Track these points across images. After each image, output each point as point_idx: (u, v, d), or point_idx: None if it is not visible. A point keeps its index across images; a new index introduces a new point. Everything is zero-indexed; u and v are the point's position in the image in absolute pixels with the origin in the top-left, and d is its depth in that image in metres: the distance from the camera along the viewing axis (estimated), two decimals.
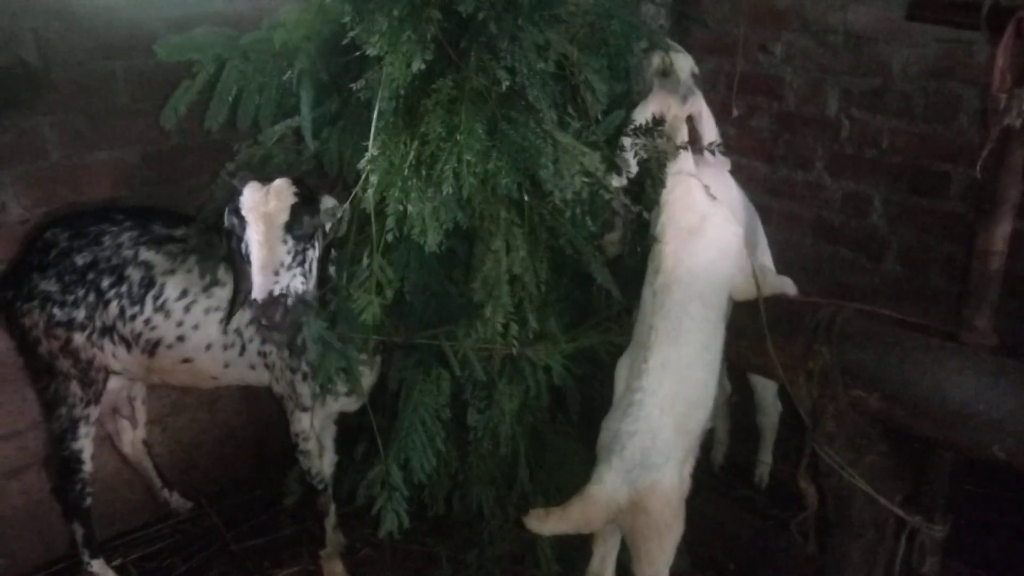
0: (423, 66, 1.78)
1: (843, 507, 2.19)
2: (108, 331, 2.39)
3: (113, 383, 2.51)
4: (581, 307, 2.25)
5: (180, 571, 2.79)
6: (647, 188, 2.22)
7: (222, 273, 2.33)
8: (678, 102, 2.27)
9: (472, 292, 2.01)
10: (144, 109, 2.68)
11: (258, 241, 1.95)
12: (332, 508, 2.64)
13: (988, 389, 1.87)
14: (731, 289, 2.21)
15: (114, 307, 2.36)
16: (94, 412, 2.48)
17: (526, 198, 1.98)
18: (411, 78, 1.79)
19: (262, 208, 1.97)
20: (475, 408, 2.23)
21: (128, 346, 2.40)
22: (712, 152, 2.29)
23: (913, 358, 2.00)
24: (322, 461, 2.53)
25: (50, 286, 2.34)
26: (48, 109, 2.56)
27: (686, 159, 2.25)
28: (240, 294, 2.13)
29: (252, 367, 2.42)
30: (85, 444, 2.49)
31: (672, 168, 2.23)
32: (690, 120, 2.29)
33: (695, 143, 2.29)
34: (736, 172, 3.57)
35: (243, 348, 2.38)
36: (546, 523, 2.03)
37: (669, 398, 2.06)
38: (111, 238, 2.39)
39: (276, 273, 1.94)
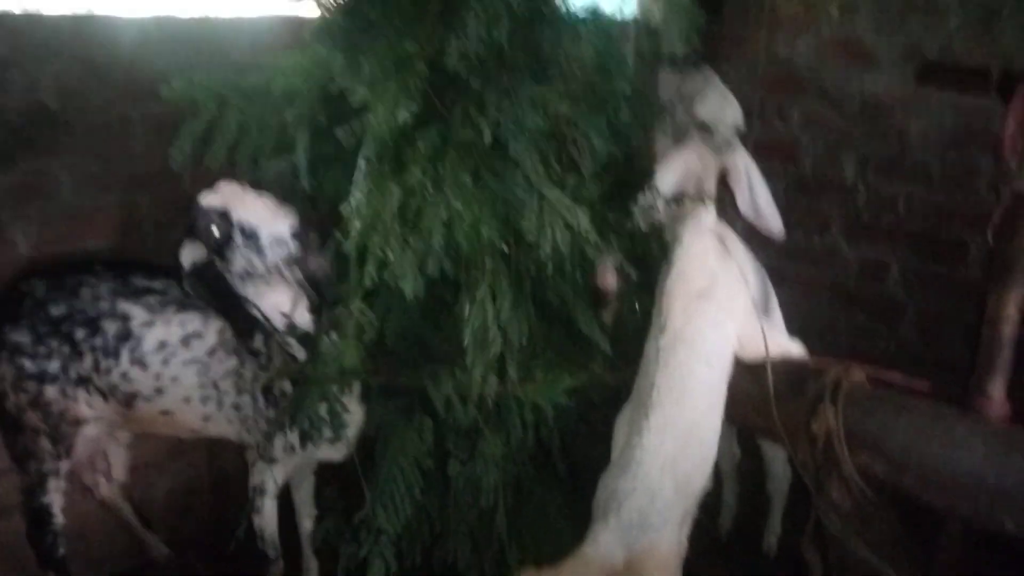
0: (408, 117, 1.80)
1: None
2: (83, 382, 2.36)
3: (90, 431, 2.46)
4: (569, 359, 2.22)
5: None
6: (653, 249, 2.22)
7: (199, 324, 2.33)
8: (714, 154, 2.21)
9: (459, 339, 1.98)
10: (157, 154, 2.71)
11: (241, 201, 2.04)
12: (315, 565, 2.60)
13: (999, 459, 1.80)
14: (738, 350, 2.18)
15: (89, 359, 2.33)
16: (64, 466, 2.44)
17: (506, 249, 1.97)
18: (396, 128, 1.81)
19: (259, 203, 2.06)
20: (457, 458, 2.18)
21: (104, 397, 2.38)
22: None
23: (921, 424, 1.94)
24: (269, 523, 2.46)
25: (21, 337, 2.31)
26: (64, 152, 2.62)
27: (708, 215, 2.21)
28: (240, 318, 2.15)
29: (229, 420, 2.39)
30: (54, 498, 2.44)
31: (690, 223, 2.18)
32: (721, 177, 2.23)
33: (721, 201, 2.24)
34: (751, 235, 3.56)
35: (220, 402, 2.36)
36: None
37: (670, 458, 1.98)
38: (89, 290, 2.37)
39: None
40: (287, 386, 2.29)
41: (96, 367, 2.33)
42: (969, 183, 3.04)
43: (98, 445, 2.64)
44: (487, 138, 1.85)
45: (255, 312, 2.19)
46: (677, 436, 2.01)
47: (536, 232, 1.89)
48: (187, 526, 3.10)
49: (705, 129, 2.23)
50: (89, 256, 2.60)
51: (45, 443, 2.38)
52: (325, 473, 2.62)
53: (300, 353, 2.22)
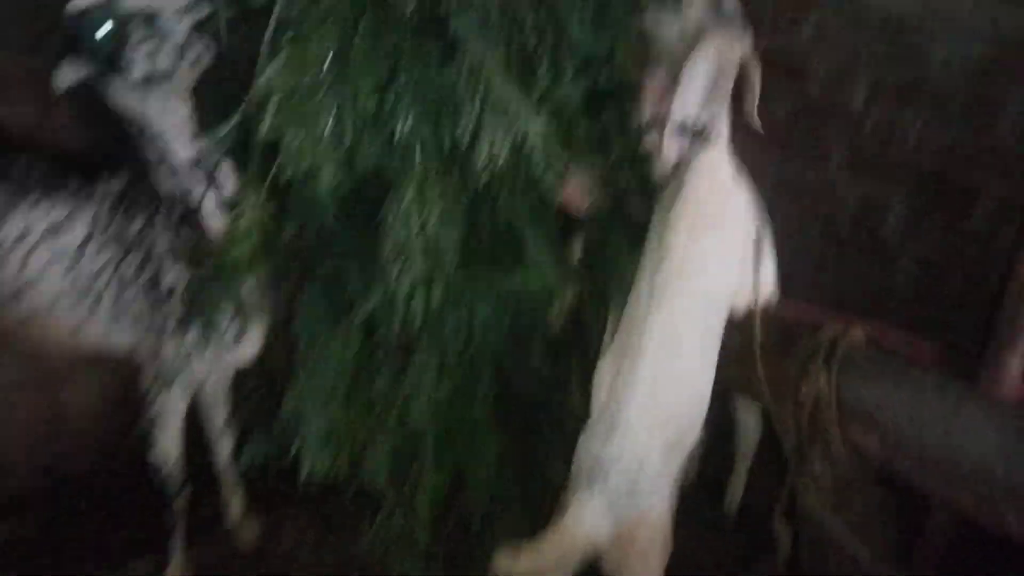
0: None
1: (819, 558, 1.90)
2: None
3: None
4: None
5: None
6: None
7: (64, 210, 1.96)
8: (735, 45, 1.84)
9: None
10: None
11: None
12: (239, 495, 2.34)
13: (1011, 448, 1.57)
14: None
15: None
16: None
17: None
18: None
19: None
20: (384, 374, 1.90)
21: None
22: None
23: (924, 400, 1.70)
24: (169, 453, 2.16)
25: None
26: None
27: (723, 123, 1.87)
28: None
29: (110, 332, 2.03)
30: None
31: (706, 139, 1.84)
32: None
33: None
34: (744, 162, 3.24)
35: (96, 305, 1.99)
36: (518, 564, 1.68)
37: (662, 416, 1.72)
38: None
39: None
40: (177, 278, 1.95)
41: None
42: (991, 122, 2.73)
43: None
44: (423, 9, 1.48)
45: (160, 142, 1.85)
46: (670, 390, 1.74)
47: (470, 136, 1.55)
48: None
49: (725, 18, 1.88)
50: None
51: None
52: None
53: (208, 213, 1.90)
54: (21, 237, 1.94)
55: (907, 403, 1.70)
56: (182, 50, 1.79)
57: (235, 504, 2.42)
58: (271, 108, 1.50)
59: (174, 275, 1.94)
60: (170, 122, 1.86)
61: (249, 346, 2.05)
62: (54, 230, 1.95)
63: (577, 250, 2.00)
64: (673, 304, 1.74)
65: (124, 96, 1.82)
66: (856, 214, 3.12)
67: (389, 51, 1.48)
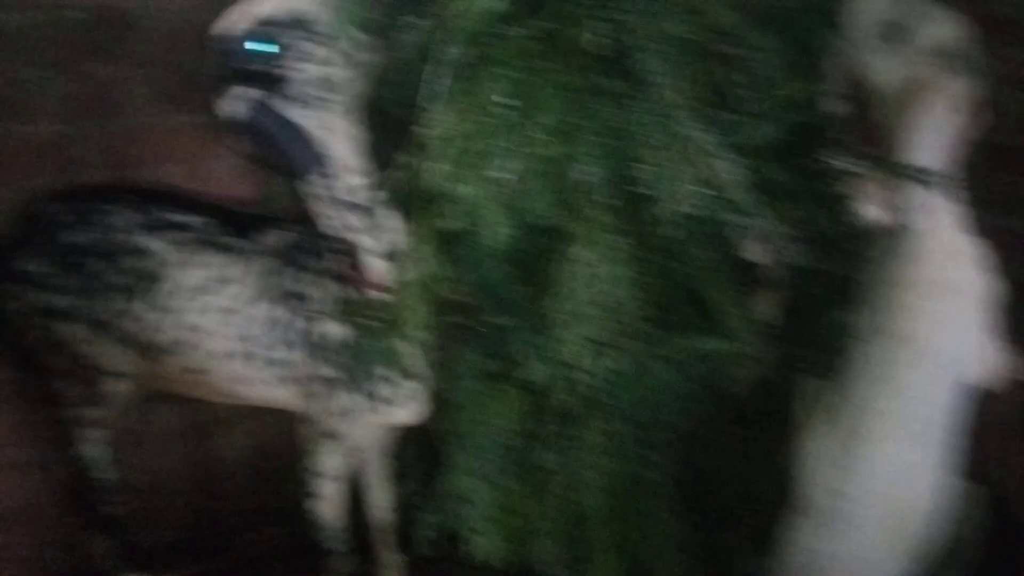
0: (498, 4, 1.30)
1: None
2: (101, 327, 1.99)
3: (120, 386, 2.10)
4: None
5: None
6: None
7: (232, 267, 1.93)
8: (965, 86, 1.57)
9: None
10: None
11: None
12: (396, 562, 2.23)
13: None
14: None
15: (105, 300, 1.97)
16: (98, 414, 2.10)
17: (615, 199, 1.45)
18: (482, 18, 1.31)
19: None
20: (549, 445, 1.74)
21: (124, 347, 2.01)
22: None
23: None
24: (331, 510, 2.05)
25: (35, 266, 1.99)
26: (136, 61, 2.27)
27: (953, 182, 1.61)
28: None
29: (272, 383, 1.97)
30: (92, 451, 2.12)
31: (935, 192, 1.58)
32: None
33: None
34: None
35: (262, 359, 1.94)
36: None
37: (891, 510, 1.51)
38: (108, 218, 1.99)
39: None
40: (342, 335, 1.87)
41: (115, 310, 1.97)
42: None
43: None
44: (604, 44, 1.32)
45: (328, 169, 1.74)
46: (902, 480, 1.51)
47: (658, 182, 1.37)
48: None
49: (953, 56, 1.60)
50: (125, 183, 2.22)
51: (71, 387, 2.07)
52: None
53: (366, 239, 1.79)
54: (189, 291, 1.95)
55: None
56: (341, 61, 1.69)
57: (390, 571, 2.30)
58: (436, 153, 1.38)
59: (336, 331, 1.87)
60: (338, 146, 1.75)
61: (410, 407, 1.94)
62: (223, 283, 1.94)
63: (769, 308, 1.77)
64: (904, 381, 1.50)
65: (291, 116, 1.73)
66: None
67: (568, 92, 1.32)
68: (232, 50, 1.64)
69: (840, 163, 1.62)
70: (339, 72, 1.68)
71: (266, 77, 1.67)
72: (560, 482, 1.75)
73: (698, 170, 1.37)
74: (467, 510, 1.69)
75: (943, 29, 1.59)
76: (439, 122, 1.39)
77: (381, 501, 2.23)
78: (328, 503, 2.03)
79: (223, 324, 1.93)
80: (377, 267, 1.79)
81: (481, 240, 1.44)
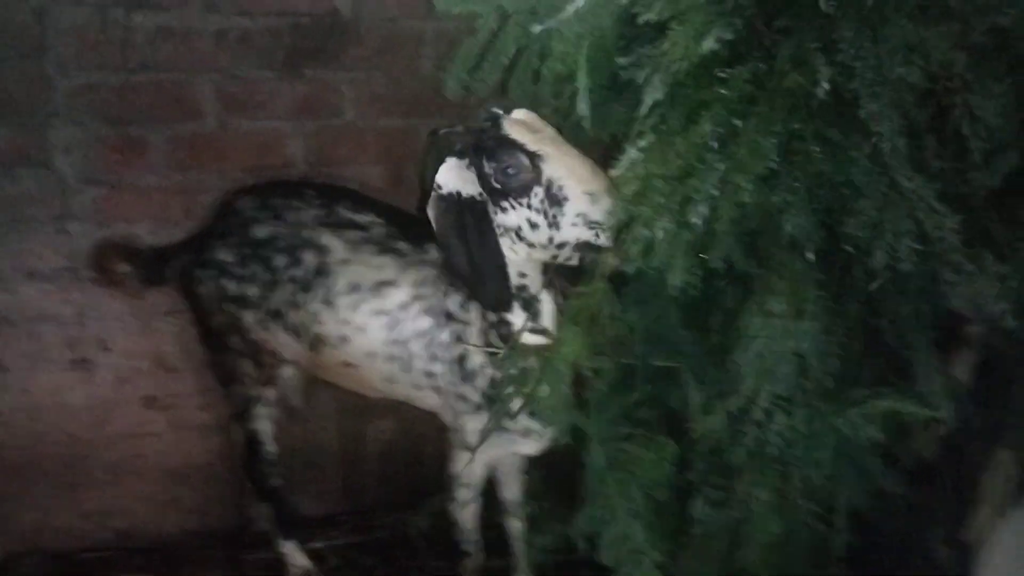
0: (716, 45, 1.22)
1: None
2: (277, 316, 2.07)
3: (287, 372, 2.21)
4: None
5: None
6: None
7: (394, 272, 1.97)
8: None
9: (731, 357, 1.43)
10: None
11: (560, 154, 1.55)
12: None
13: None
14: None
15: (283, 291, 2.04)
16: (270, 393, 2.20)
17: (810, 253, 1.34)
18: (698, 61, 1.24)
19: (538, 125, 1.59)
20: (706, 498, 1.65)
21: (295, 336, 2.08)
22: None
23: None
24: (465, 515, 2.09)
25: (226, 256, 2.08)
26: (351, 65, 2.37)
27: None
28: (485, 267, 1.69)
29: (418, 387, 2.01)
30: (262, 425, 2.22)
31: None
32: None
33: None
34: None
35: (408, 364, 1.97)
36: None
37: None
38: (294, 214, 2.06)
39: None
40: (483, 361, 1.88)
41: (290, 300, 2.04)
42: None
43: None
44: (822, 89, 1.22)
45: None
46: None
47: (870, 233, 1.26)
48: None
49: None
50: (306, 179, 2.33)
51: (248, 367, 2.16)
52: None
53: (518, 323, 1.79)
54: (353, 288, 1.99)
55: None
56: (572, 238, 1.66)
57: None
58: (628, 195, 1.35)
59: (480, 357, 1.87)
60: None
61: (543, 440, 1.93)
62: (380, 287, 1.97)
63: (967, 370, 1.64)
64: None
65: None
66: None
67: (779, 138, 1.25)
68: (503, 141, 1.65)
69: None
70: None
71: (505, 190, 1.69)
72: (711, 537, 1.68)
73: (913, 223, 1.27)
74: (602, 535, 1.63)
75: None
76: (637, 162, 1.35)
77: (516, 513, 2.22)
78: (464, 507, 2.05)
79: (379, 325, 1.96)
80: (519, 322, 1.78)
81: (659, 282, 1.39)
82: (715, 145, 1.24)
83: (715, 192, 1.23)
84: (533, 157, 1.59)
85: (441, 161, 1.71)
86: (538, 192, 1.60)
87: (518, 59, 1.65)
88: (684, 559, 1.72)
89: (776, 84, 1.24)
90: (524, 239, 1.67)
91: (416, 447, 2.71)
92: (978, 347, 1.62)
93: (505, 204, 1.66)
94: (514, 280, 1.74)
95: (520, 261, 1.73)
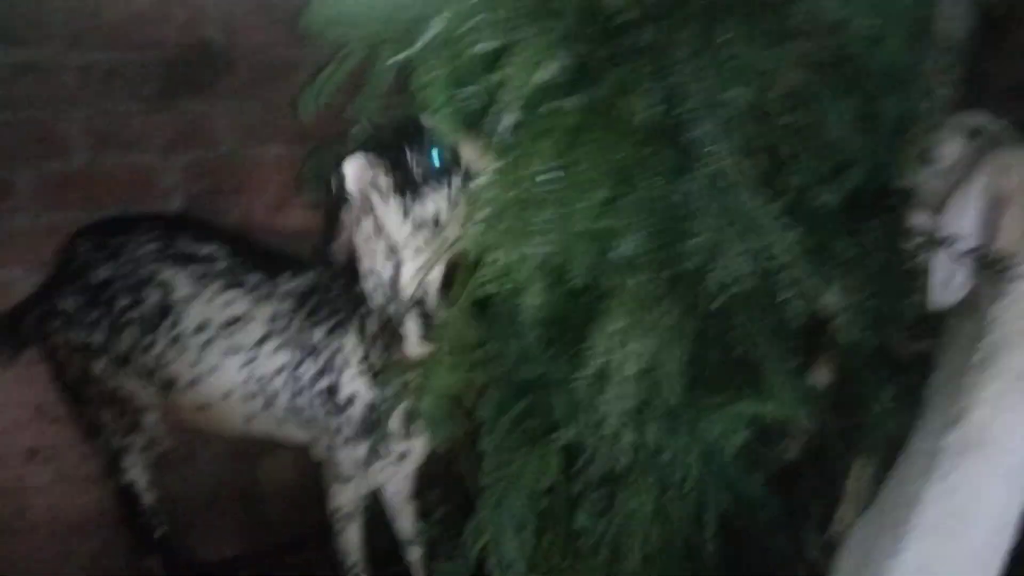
0: (550, 76, 1.24)
1: None
2: (124, 361, 1.98)
3: (151, 418, 2.11)
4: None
5: None
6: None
7: (245, 306, 1.92)
8: (1017, 163, 1.49)
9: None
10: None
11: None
12: None
13: None
14: None
15: (129, 334, 1.95)
16: (138, 441, 2.10)
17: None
18: (533, 91, 1.26)
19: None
20: (588, 508, 1.65)
21: (146, 380, 2.00)
22: None
23: None
24: (350, 546, 2.06)
25: (69, 304, 1.98)
26: (225, 94, 2.32)
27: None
28: None
29: (282, 423, 1.96)
30: (135, 476, 2.13)
31: (1013, 265, 1.46)
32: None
33: None
34: None
35: (270, 402, 1.93)
36: None
37: None
38: (131, 251, 1.98)
39: None
40: (356, 389, 1.86)
41: (136, 344, 1.95)
42: None
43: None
44: (657, 114, 1.24)
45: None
46: None
47: (706, 253, 1.29)
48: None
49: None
50: (142, 214, 2.22)
51: (108, 417, 2.06)
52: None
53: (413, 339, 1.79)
54: (200, 327, 1.92)
55: None
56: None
57: None
58: (477, 224, 1.35)
59: (353, 385, 1.84)
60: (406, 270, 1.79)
61: (413, 460, 1.94)
62: (231, 324, 1.91)
63: (827, 376, 1.67)
64: (964, 479, 1.35)
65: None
66: None
67: (618, 164, 1.27)
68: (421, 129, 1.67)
69: (908, 232, 1.52)
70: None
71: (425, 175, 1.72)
72: (596, 545, 1.68)
73: (751, 243, 1.29)
74: (492, 558, 1.62)
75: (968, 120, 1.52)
76: (484, 192, 1.35)
77: (408, 537, 2.20)
78: (346, 538, 2.01)
79: (234, 364, 1.89)
80: (413, 336, 1.77)
81: (517, 304, 1.39)
82: (552, 173, 1.24)
83: (553, 220, 1.23)
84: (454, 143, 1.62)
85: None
86: (457, 175, 1.67)
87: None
88: (570, 570, 1.72)
89: (614, 112, 1.25)
90: (441, 224, 1.70)
91: (315, 482, 2.65)
92: (836, 355, 1.66)
93: (425, 191, 1.68)
94: (412, 289, 1.75)
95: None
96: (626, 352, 1.35)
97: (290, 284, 1.93)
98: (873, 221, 1.50)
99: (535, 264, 1.30)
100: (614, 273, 1.33)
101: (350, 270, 1.84)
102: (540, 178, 1.26)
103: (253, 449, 2.56)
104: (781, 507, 1.67)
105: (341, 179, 1.70)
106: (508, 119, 1.31)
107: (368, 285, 1.81)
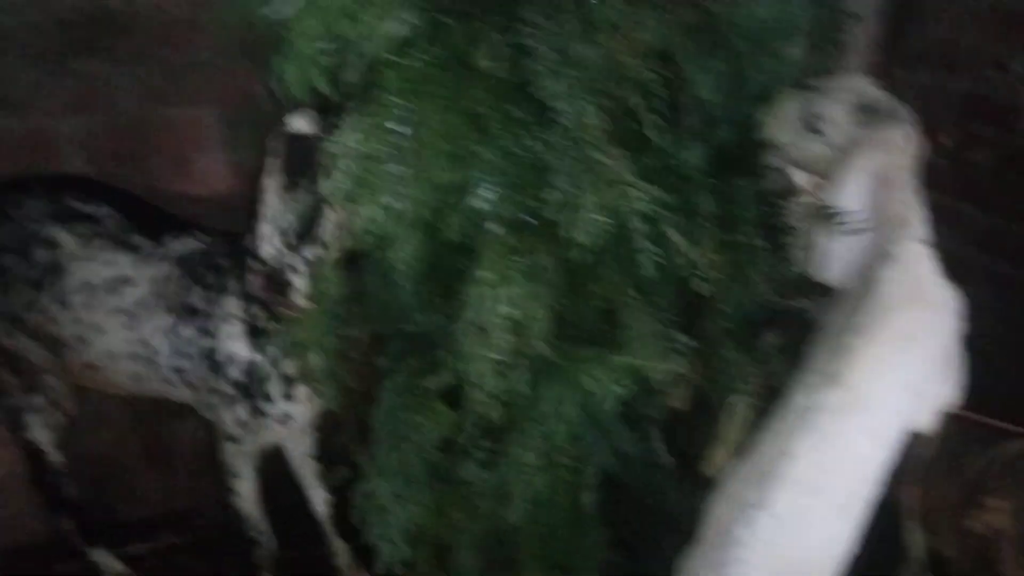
0: (401, 30, 1.23)
1: None
2: (16, 320, 1.98)
3: (49, 379, 2.11)
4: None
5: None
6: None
7: (130, 268, 1.92)
8: (906, 130, 1.52)
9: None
10: (225, 66, 2.33)
11: None
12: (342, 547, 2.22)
13: None
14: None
15: (18, 293, 1.95)
16: (37, 401, 2.11)
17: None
18: (385, 44, 1.24)
19: None
20: (475, 460, 1.67)
21: (37, 340, 2.00)
22: None
23: None
24: (247, 505, 2.08)
25: None
26: (123, 58, 2.28)
27: (920, 222, 1.51)
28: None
29: (168, 383, 1.98)
30: (38, 435, 2.14)
31: (899, 233, 1.47)
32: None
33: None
34: (938, 216, 2.77)
35: (154, 362, 1.94)
36: None
37: (783, 565, 1.36)
38: (19, 210, 1.97)
39: None
40: (236, 350, 1.87)
41: (26, 302, 1.95)
42: None
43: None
44: (503, 69, 1.25)
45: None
46: (800, 536, 1.36)
47: (562, 206, 1.30)
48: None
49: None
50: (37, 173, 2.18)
51: (6, 376, 2.06)
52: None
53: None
54: (86, 286, 1.92)
55: None
56: None
57: (341, 561, 2.31)
58: (342, 175, 1.35)
59: (233, 346, 1.85)
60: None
61: (301, 428, 1.96)
62: (122, 283, 1.91)
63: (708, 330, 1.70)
64: (830, 437, 1.37)
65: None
66: None
67: (472, 117, 1.27)
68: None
69: (772, 191, 1.55)
70: None
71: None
72: (482, 496, 1.71)
73: (606, 197, 1.31)
74: (381, 521, 1.65)
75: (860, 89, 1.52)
76: (342, 145, 1.35)
77: (314, 495, 2.23)
78: (242, 499, 2.03)
79: (119, 324, 1.89)
80: (299, 290, 1.78)
81: (387, 259, 1.40)
82: (400, 126, 1.24)
83: (405, 173, 1.24)
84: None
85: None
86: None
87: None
88: (454, 519, 1.76)
89: (456, 64, 1.25)
90: None
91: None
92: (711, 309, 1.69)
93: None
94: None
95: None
96: (492, 302, 1.36)
97: (174, 246, 1.93)
98: (744, 180, 1.52)
99: (396, 217, 1.31)
100: (474, 226, 1.34)
101: (237, 232, 1.84)
102: (390, 131, 1.25)
103: (168, 409, 2.56)
104: (659, 457, 1.71)
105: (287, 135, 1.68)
106: (355, 71, 1.30)
107: (263, 236, 1.80)
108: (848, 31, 1.56)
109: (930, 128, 2.88)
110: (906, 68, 3.00)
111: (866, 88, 1.56)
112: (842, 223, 1.47)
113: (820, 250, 1.53)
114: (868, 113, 1.52)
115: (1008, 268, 2.72)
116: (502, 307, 1.36)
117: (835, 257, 1.52)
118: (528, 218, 1.36)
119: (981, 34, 2.71)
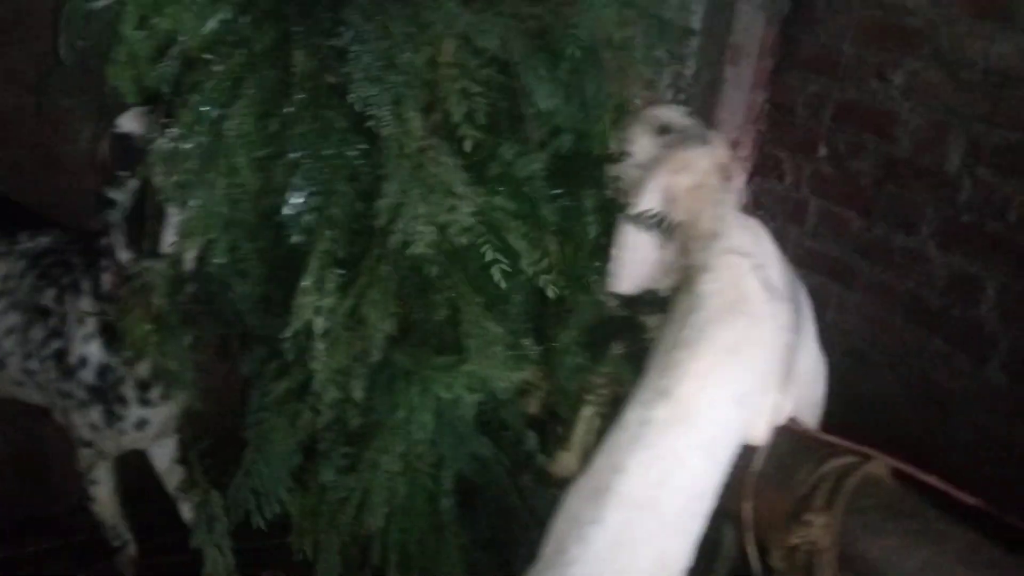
0: (216, 28, 1.19)
1: None
2: None
3: None
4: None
5: None
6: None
7: None
8: (708, 152, 1.55)
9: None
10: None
11: None
12: None
13: None
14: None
15: None
16: None
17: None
18: (200, 43, 1.20)
19: None
20: (332, 464, 1.63)
21: None
22: None
23: (948, 569, 1.28)
24: (106, 510, 2.02)
25: None
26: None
27: (737, 231, 1.52)
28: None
29: (19, 385, 1.92)
30: None
31: (715, 244, 1.49)
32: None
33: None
34: (824, 223, 2.84)
35: (3, 363, 1.88)
36: None
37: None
38: None
39: None
40: (88, 352, 1.80)
41: None
42: None
43: None
44: (315, 74, 1.21)
45: None
46: (637, 554, 1.36)
47: (388, 214, 1.27)
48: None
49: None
50: None
51: None
52: None
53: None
54: None
55: (922, 569, 1.29)
56: None
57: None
58: (161, 176, 1.30)
59: (85, 348, 1.78)
60: None
61: (147, 435, 1.88)
62: None
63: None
64: (667, 451, 1.37)
65: None
66: (946, 290, 2.63)
67: (285, 122, 1.23)
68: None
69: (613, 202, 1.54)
70: None
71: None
72: (343, 501, 1.68)
73: (434, 207, 1.28)
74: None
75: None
76: (160, 144, 1.30)
77: (181, 501, 2.17)
78: (101, 505, 1.97)
79: None
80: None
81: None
82: (207, 127, 1.20)
83: (218, 175, 1.20)
84: None
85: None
86: None
87: None
88: (317, 525, 1.72)
89: (268, 66, 1.21)
90: None
91: None
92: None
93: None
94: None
95: None
96: (319, 310, 1.33)
97: (27, 244, 1.86)
98: (586, 190, 1.51)
99: (208, 218, 1.26)
100: (290, 231, 1.30)
101: (91, 231, 1.77)
102: (199, 131, 1.20)
103: (38, 409, 2.47)
104: (519, 460, 1.70)
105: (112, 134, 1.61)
106: (169, 69, 1.25)
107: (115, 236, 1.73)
108: (679, 46, 1.55)
109: (816, 136, 2.95)
110: (796, 76, 3.05)
111: (669, 114, 1.61)
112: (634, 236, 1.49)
113: (614, 262, 1.54)
114: (670, 135, 1.56)
115: (891, 277, 2.79)
116: (319, 319, 1.32)
117: (626, 269, 1.54)
118: (358, 227, 1.31)
119: (864, 45, 2.76)
